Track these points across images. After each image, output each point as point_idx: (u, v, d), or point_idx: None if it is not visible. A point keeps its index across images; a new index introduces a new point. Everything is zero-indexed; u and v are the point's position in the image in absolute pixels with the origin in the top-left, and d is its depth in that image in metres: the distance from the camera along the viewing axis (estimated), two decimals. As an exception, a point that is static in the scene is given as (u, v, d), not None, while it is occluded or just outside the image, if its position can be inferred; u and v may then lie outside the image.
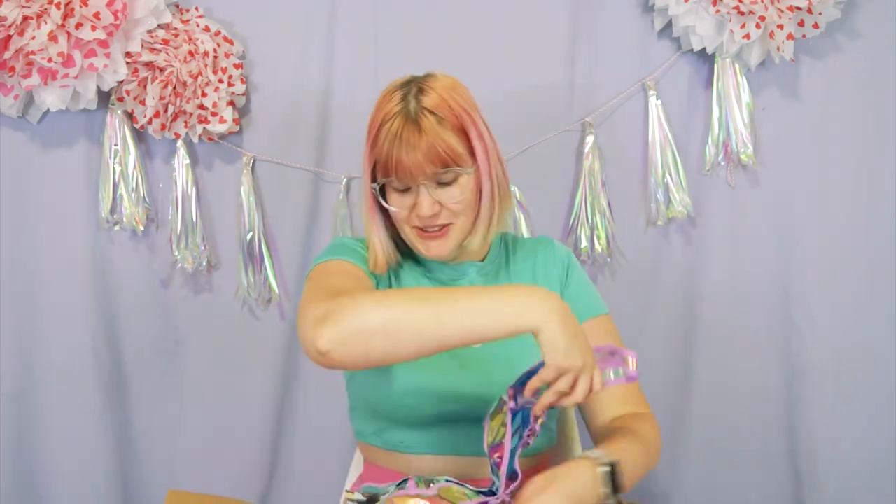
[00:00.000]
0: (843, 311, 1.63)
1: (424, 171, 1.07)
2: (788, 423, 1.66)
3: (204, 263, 1.56)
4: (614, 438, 1.05)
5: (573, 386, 0.92)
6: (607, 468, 0.95)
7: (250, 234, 1.55)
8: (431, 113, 1.08)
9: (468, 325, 0.91)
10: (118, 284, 1.56)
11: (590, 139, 1.56)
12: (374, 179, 1.12)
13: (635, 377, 0.97)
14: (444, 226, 1.12)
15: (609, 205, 1.58)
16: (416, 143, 1.06)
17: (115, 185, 1.51)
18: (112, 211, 1.52)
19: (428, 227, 1.12)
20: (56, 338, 1.53)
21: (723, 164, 1.60)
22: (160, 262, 1.57)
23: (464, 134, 1.10)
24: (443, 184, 1.10)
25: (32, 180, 1.51)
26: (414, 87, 1.11)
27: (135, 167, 1.51)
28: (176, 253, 1.54)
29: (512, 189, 1.56)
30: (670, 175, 1.57)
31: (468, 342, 0.92)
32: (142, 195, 1.52)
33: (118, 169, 1.51)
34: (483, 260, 1.21)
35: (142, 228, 1.53)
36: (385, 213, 1.16)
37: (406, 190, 1.11)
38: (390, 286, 1.18)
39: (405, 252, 1.20)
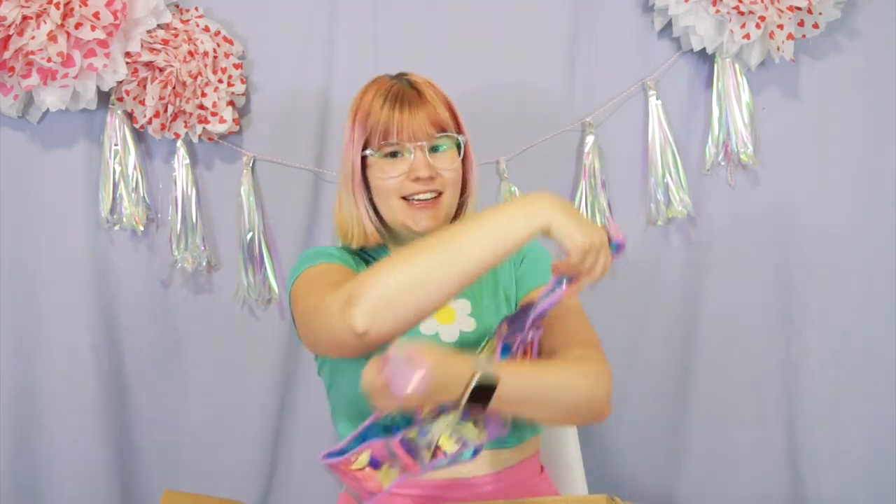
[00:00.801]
0: (843, 311, 1.63)
1: (426, 131, 1.11)
2: (788, 423, 1.67)
3: (204, 263, 1.55)
4: (538, 362, 1.01)
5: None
6: (481, 382, 0.89)
7: (250, 234, 1.55)
8: (428, 86, 1.15)
9: (482, 252, 0.92)
10: (118, 284, 1.56)
11: (590, 139, 1.56)
12: (364, 148, 1.13)
13: (623, 243, 0.96)
14: (436, 195, 1.13)
15: (609, 205, 1.58)
16: (418, 105, 1.12)
17: (115, 185, 1.51)
18: (112, 211, 1.52)
19: (420, 194, 1.12)
20: (56, 338, 1.53)
21: (723, 164, 1.60)
22: (160, 262, 1.56)
23: (452, 111, 1.17)
24: (434, 151, 1.13)
25: (32, 180, 1.51)
26: (401, 75, 1.18)
27: (135, 167, 1.51)
28: (176, 253, 1.54)
29: (512, 189, 1.56)
30: (670, 175, 1.57)
31: (489, 266, 0.93)
32: (142, 195, 1.52)
33: (118, 169, 1.50)
34: None
35: (142, 228, 1.53)
36: (368, 191, 1.17)
37: (395, 157, 1.12)
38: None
39: (379, 254, 1.21)
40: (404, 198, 1.13)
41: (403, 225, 1.14)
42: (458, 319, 1.16)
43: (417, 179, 1.11)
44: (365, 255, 1.22)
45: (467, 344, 1.13)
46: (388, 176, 1.12)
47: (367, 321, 0.90)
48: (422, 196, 1.12)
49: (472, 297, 1.18)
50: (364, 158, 1.14)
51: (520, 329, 1.01)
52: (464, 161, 1.17)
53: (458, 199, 1.18)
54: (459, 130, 1.17)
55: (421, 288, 0.92)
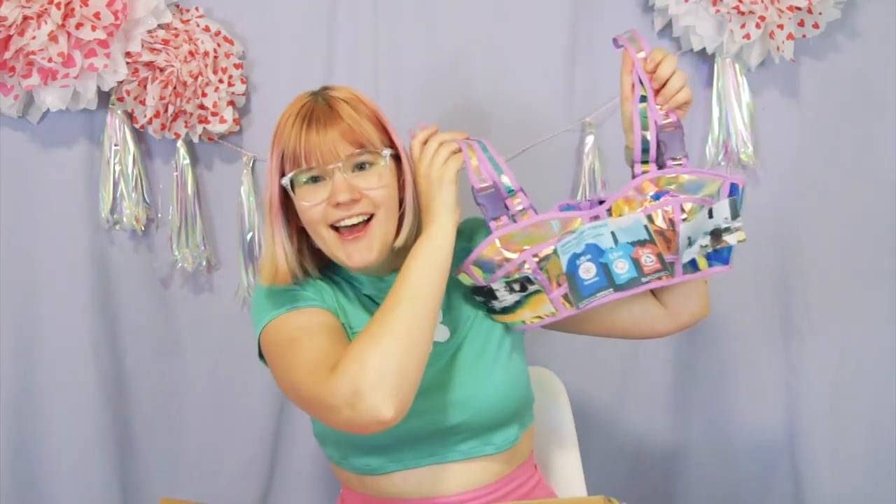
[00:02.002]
0: (843, 310, 1.63)
1: (338, 152, 1.01)
2: (788, 424, 1.67)
3: (204, 263, 1.55)
4: None
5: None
6: None
7: (250, 234, 1.55)
8: (345, 102, 1.05)
9: (428, 290, 0.98)
10: (118, 284, 1.56)
11: (590, 139, 1.56)
12: (282, 175, 1.04)
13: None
14: (365, 219, 1.03)
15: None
16: (329, 123, 1.02)
17: (115, 185, 1.51)
18: (112, 211, 1.52)
19: (346, 220, 1.02)
20: (56, 338, 1.53)
21: (723, 164, 1.60)
22: (160, 262, 1.56)
23: (381, 126, 1.07)
24: (359, 169, 1.04)
25: (32, 180, 1.51)
26: (321, 91, 1.09)
27: (135, 167, 1.51)
28: (176, 253, 1.54)
29: (512, 189, 1.56)
30: (670, 175, 1.57)
31: (441, 291, 1.00)
32: (142, 195, 1.52)
33: (118, 169, 1.50)
34: None
35: (142, 228, 1.53)
36: (291, 222, 1.08)
37: (317, 182, 1.03)
38: (334, 291, 1.11)
39: (333, 272, 1.14)
40: (334, 227, 1.04)
41: (337, 259, 1.06)
42: None
43: (338, 205, 1.01)
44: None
45: (442, 356, 1.10)
46: (311, 204, 1.03)
47: (392, 406, 0.88)
48: (349, 222, 1.03)
49: (443, 304, 1.11)
50: (284, 187, 1.04)
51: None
52: (400, 178, 1.08)
53: (397, 218, 1.07)
54: (389, 144, 1.07)
55: (405, 350, 0.92)
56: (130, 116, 1.48)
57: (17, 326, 1.53)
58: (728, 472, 1.69)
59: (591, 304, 1.05)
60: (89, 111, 1.47)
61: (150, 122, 1.45)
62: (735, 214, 1.03)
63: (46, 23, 1.33)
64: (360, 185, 1.03)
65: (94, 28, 1.35)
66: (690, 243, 1.05)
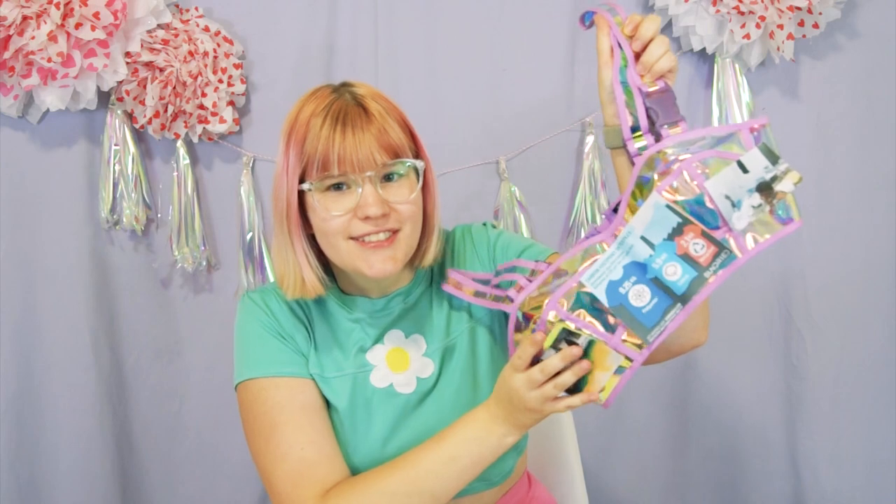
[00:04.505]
0: (843, 311, 1.63)
1: (374, 159, 0.92)
2: (788, 423, 1.67)
3: (204, 263, 1.55)
4: None
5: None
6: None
7: (250, 234, 1.55)
8: (374, 101, 0.96)
9: (450, 493, 0.93)
10: (118, 284, 1.56)
11: (590, 139, 1.56)
12: (303, 181, 0.95)
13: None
14: (392, 233, 0.95)
15: (609, 205, 1.58)
16: (364, 127, 0.92)
17: (115, 185, 1.51)
18: (112, 211, 1.52)
19: (372, 235, 0.94)
20: (56, 338, 1.53)
21: (723, 164, 1.60)
22: (160, 262, 1.57)
23: (407, 129, 0.98)
24: (386, 180, 0.95)
25: (32, 180, 1.51)
26: (342, 86, 0.99)
27: (135, 167, 1.51)
28: (176, 253, 1.54)
29: (512, 189, 1.56)
30: (670, 175, 1.57)
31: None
32: (142, 195, 1.52)
33: (118, 169, 1.50)
34: (410, 283, 1.06)
35: (142, 228, 1.53)
36: (307, 230, 0.98)
37: (340, 189, 0.94)
38: (308, 331, 1.03)
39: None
40: (353, 237, 0.95)
41: (354, 269, 0.96)
42: (413, 365, 1.02)
43: (367, 218, 0.93)
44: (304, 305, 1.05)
45: (426, 393, 1.01)
46: (332, 214, 0.93)
47: None
48: (374, 238, 0.94)
49: (427, 331, 1.04)
50: (301, 192, 0.96)
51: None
52: (424, 190, 0.99)
53: (420, 234, 0.99)
54: (417, 154, 0.98)
55: None
56: (130, 116, 1.48)
57: (17, 327, 1.52)
58: (728, 471, 1.70)
59: (664, 331, 0.84)
60: (89, 111, 1.47)
61: (149, 122, 1.45)
62: (774, 158, 0.86)
63: (46, 23, 1.33)
64: (390, 197, 0.94)
65: (93, 28, 1.35)
66: (735, 205, 0.85)
